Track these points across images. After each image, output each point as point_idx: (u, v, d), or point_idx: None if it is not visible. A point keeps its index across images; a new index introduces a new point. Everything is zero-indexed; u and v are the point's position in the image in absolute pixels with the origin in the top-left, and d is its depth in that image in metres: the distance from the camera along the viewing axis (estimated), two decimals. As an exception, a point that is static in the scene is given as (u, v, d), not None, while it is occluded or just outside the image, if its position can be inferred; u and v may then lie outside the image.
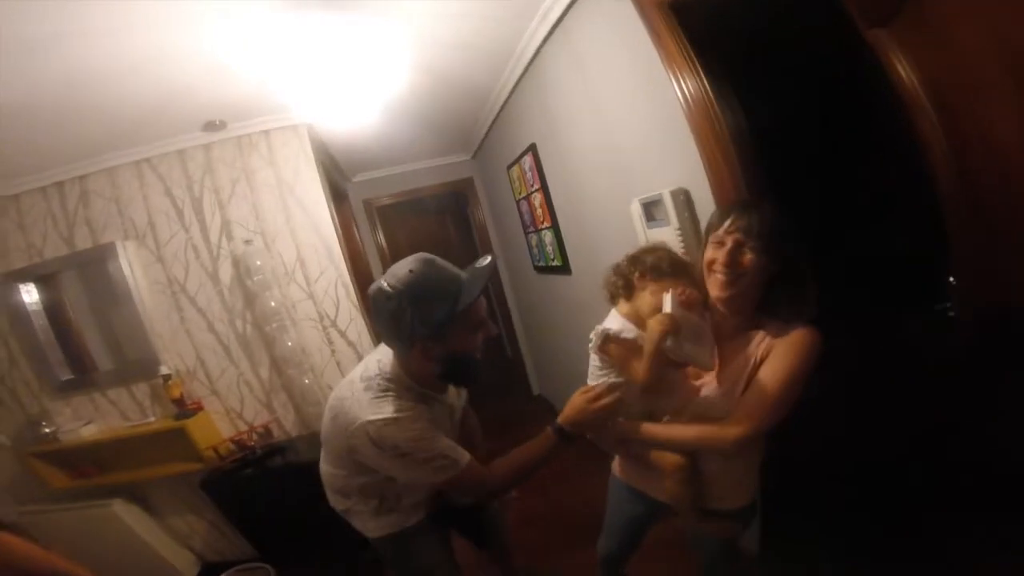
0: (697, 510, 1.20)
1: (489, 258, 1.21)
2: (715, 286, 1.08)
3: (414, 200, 4.15)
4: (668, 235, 1.48)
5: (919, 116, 1.28)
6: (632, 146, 1.71)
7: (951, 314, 1.41)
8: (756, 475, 1.23)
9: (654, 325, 1.04)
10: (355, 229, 3.66)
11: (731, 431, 1.03)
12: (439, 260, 1.13)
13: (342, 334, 2.59)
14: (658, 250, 1.21)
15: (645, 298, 1.15)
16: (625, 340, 1.16)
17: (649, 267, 1.16)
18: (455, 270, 1.13)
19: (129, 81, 1.73)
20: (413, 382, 1.20)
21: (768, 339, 1.06)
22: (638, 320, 1.17)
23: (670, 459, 1.15)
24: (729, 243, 1.04)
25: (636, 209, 1.63)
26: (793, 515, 1.68)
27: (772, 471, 1.27)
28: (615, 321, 1.21)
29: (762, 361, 1.05)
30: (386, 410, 1.13)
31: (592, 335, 1.22)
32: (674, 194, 1.46)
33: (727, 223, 1.06)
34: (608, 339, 1.18)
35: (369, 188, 4.00)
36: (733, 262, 1.04)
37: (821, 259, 1.18)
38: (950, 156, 1.26)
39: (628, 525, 1.47)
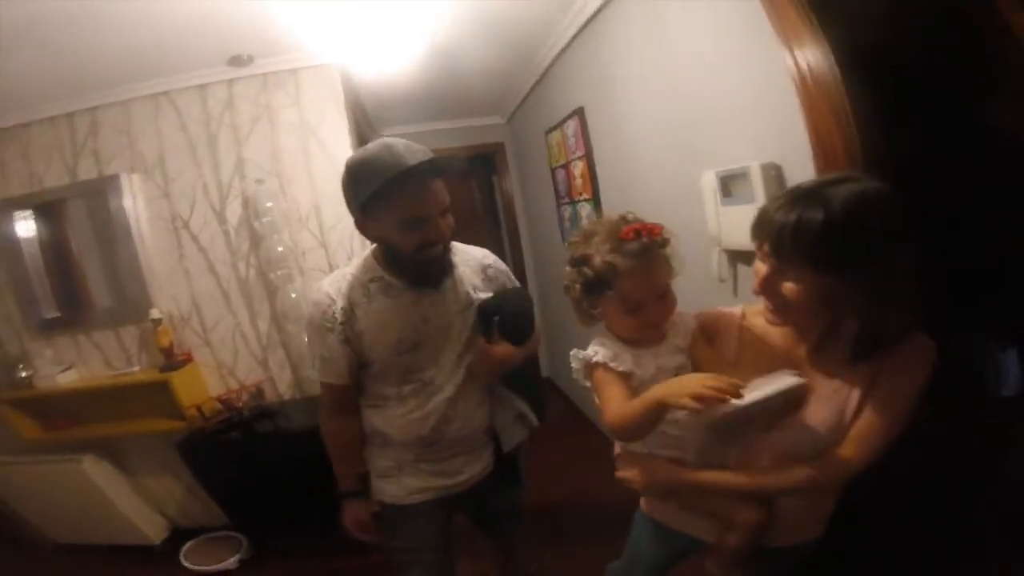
0: (738, 557, 0.95)
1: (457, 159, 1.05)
2: (767, 313, 0.82)
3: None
4: (750, 215, 1.26)
5: None
6: (711, 115, 1.50)
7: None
8: (831, 504, 0.96)
9: (680, 397, 0.73)
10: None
11: (829, 472, 0.79)
12: (402, 143, 1.02)
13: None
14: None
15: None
16: (613, 371, 0.90)
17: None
18: (412, 155, 0.99)
19: (151, 7, 1.60)
20: (380, 267, 1.13)
21: (883, 360, 0.78)
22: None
23: (751, 516, 0.88)
24: (764, 268, 0.78)
25: (710, 182, 1.43)
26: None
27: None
28: (603, 344, 0.94)
29: (871, 384, 0.79)
30: (319, 283, 1.15)
31: (572, 358, 0.97)
32: (764, 168, 1.25)
33: (752, 235, 0.79)
34: (593, 367, 0.92)
35: (394, 144, 3.79)
36: (771, 292, 0.77)
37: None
38: None
39: (653, 567, 1.20)
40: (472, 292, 1.20)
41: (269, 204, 2.25)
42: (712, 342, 0.96)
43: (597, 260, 0.86)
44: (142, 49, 1.89)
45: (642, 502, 1.15)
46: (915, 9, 1.36)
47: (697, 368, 0.91)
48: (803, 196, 0.72)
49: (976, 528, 1.64)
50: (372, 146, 1.02)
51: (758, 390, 0.75)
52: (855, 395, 0.79)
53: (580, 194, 2.55)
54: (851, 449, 0.78)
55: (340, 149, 2.32)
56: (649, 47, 1.72)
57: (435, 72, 2.59)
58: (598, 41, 2.05)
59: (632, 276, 0.84)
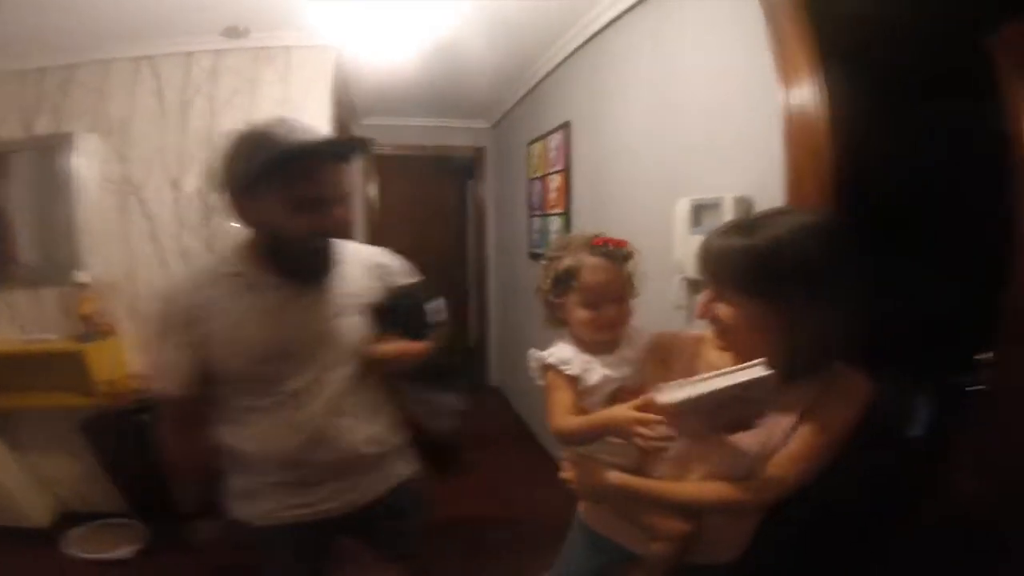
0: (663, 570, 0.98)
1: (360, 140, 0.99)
2: (713, 337, 0.86)
3: (418, 157, 3.90)
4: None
5: None
6: (695, 143, 1.56)
7: (973, 387, 1.34)
8: (752, 526, 0.99)
9: (624, 420, 0.80)
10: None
11: (754, 494, 0.81)
12: (300, 123, 0.92)
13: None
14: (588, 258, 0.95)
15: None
16: (562, 375, 0.95)
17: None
18: (311, 135, 0.91)
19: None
20: (247, 261, 0.97)
21: (819, 393, 0.81)
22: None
23: (675, 526, 0.91)
24: (706, 294, 0.82)
25: (683, 209, 1.47)
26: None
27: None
28: (559, 348, 0.99)
29: (805, 413, 0.81)
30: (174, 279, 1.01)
31: (530, 357, 1.01)
32: (737, 200, 1.30)
33: (696, 262, 0.84)
34: (546, 368, 0.98)
35: (375, 134, 3.69)
36: (710, 316, 0.81)
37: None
38: None
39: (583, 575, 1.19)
40: (360, 295, 1.06)
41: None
42: (666, 362, 0.98)
43: (568, 259, 0.96)
44: (133, 11, 1.84)
45: (580, 508, 1.15)
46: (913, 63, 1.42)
47: (644, 384, 0.93)
48: (738, 226, 0.79)
49: (885, 554, 1.71)
50: (264, 121, 0.90)
51: (713, 380, 0.74)
52: (786, 422, 0.82)
53: (553, 207, 2.58)
54: (781, 470, 0.80)
55: (319, 129, 2.24)
56: (646, 71, 1.76)
57: (429, 68, 2.56)
58: (597, 58, 2.09)
59: (595, 271, 0.94)
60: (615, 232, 1.03)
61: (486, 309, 4.17)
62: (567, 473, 1.01)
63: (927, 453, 1.63)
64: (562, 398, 0.95)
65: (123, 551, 2.00)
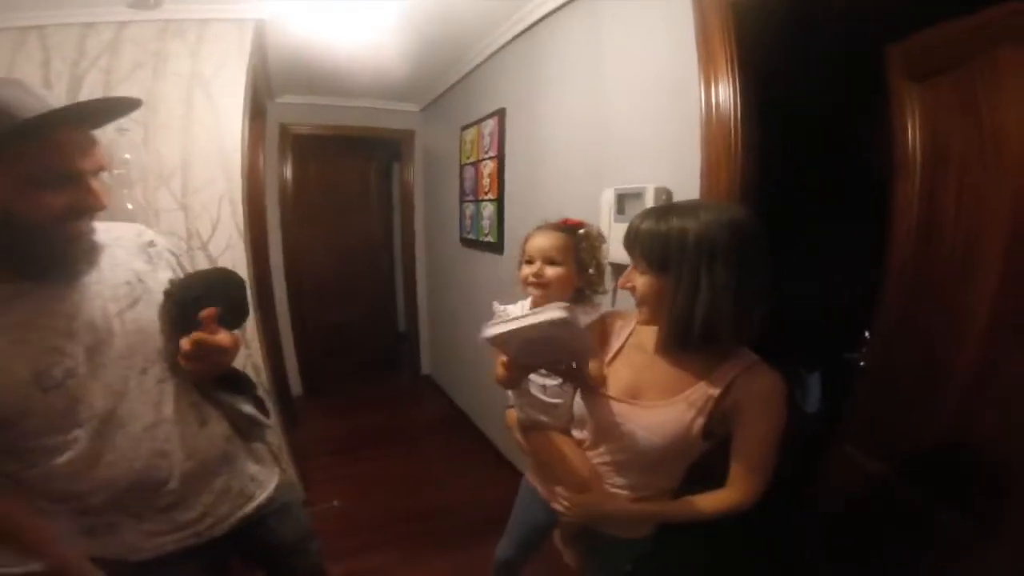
0: (574, 533, 1.15)
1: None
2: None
3: (339, 138, 3.73)
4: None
5: (905, 176, 1.33)
6: (621, 136, 1.63)
7: (861, 363, 1.52)
8: None
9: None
10: (261, 151, 3.15)
11: (745, 498, 0.94)
12: (28, 85, 0.73)
13: (212, 261, 2.14)
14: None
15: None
16: None
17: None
18: (54, 98, 0.73)
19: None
20: None
21: (732, 381, 0.91)
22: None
23: (575, 477, 1.05)
24: (629, 268, 0.94)
25: (608, 198, 1.55)
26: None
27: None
28: (513, 306, 1.20)
29: (727, 409, 0.92)
30: None
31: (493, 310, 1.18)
32: (657, 191, 1.39)
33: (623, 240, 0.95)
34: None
35: (292, 112, 3.51)
36: (629, 285, 0.93)
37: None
38: (917, 221, 1.33)
39: (531, 531, 1.38)
40: (137, 280, 0.90)
41: (128, 156, 1.94)
42: (604, 336, 1.09)
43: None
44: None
45: (526, 472, 1.30)
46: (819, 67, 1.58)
47: None
48: (656, 211, 0.90)
49: (789, 526, 1.95)
50: None
51: (521, 319, 0.83)
52: (697, 409, 0.92)
53: (486, 193, 2.60)
54: (742, 486, 0.93)
55: (230, 107, 2.10)
56: (580, 63, 1.81)
57: (356, 46, 2.46)
58: (532, 48, 2.12)
59: (535, 235, 1.15)
60: (546, 217, 1.21)
61: (415, 296, 4.12)
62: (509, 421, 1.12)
63: (823, 425, 1.89)
64: None
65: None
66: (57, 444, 0.78)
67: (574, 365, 0.95)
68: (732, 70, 1.21)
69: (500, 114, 2.39)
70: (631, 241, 0.91)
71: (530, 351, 0.88)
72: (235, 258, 2.15)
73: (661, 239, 0.85)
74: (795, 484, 1.94)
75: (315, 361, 3.75)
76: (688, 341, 0.88)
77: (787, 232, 1.83)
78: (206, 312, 0.85)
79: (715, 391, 0.90)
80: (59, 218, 0.73)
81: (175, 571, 0.93)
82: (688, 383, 0.94)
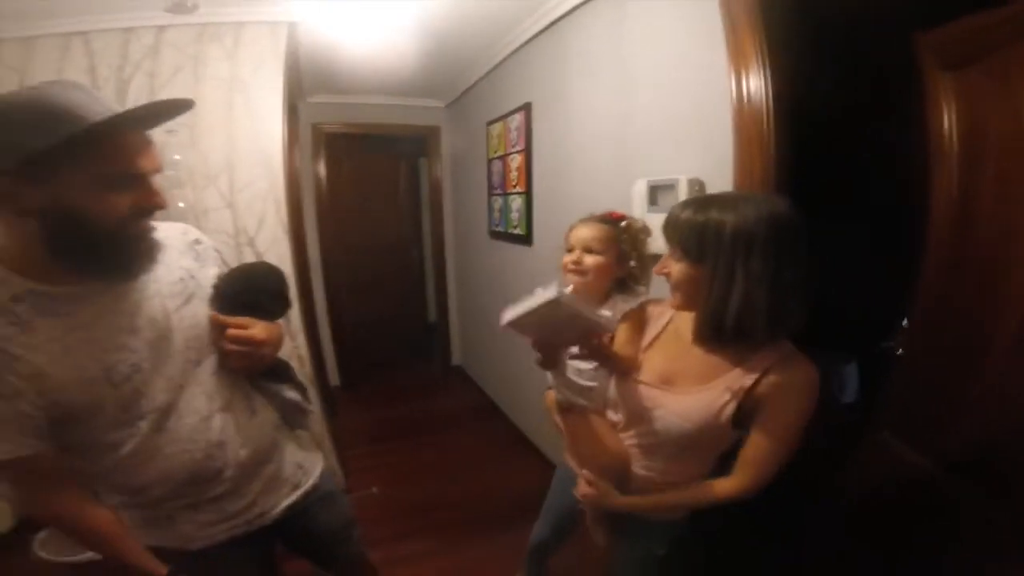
0: (604, 519, 1.18)
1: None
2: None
3: (368, 136, 3.81)
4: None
5: (942, 165, 1.32)
6: (649, 128, 1.64)
7: (898, 351, 1.51)
8: None
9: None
10: (297, 151, 3.25)
11: (746, 489, 0.96)
12: (89, 88, 0.75)
13: (259, 256, 2.26)
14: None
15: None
16: None
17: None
18: (109, 102, 0.75)
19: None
20: (25, 276, 0.75)
21: (765, 372, 0.91)
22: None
23: (607, 459, 1.09)
24: (665, 256, 0.97)
25: (640, 190, 1.56)
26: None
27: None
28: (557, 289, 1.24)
29: (758, 398, 0.92)
30: None
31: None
32: (691, 182, 1.40)
33: (662, 229, 0.96)
34: None
35: (322, 112, 3.60)
36: (666, 272, 0.96)
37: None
38: (955, 210, 1.31)
39: (565, 515, 1.41)
40: (189, 277, 0.94)
41: (177, 157, 2.05)
42: (643, 324, 1.13)
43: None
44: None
45: (563, 455, 1.34)
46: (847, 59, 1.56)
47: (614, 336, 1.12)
48: (696, 202, 0.91)
49: (817, 513, 1.95)
50: (47, 85, 0.72)
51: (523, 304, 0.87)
52: (729, 397, 0.93)
53: (514, 186, 2.63)
54: (747, 474, 0.94)
55: (269, 109, 2.18)
56: (607, 55, 1.82)
57: (383, 45, 2.51)
58: (558, 43, 2.13)
59: (577, 225, 1.18)
60: (576, 211, 1.23)
61: (445, 289, 4.20)
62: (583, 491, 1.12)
63: (859, 414, 1.87)
64: None
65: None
66: (122, 438, 0.82)
67: (594, 343, 0.98)
68: (763, 62, 1.21)
69: (526, 109, 2.42)
70: (670, 230, 0.93)
71: (543, 333, 0.93)
72: (280, 253, 2.26)
73: (699, 229, 0.87)
74: (829, 473, 1.94)
75: (350, 353, 3.86)
76: (722, 333, 0.90)
77: (821, 223, 1.82)
78: (232, 320, 0.92)
79: (748, 380, 0.91)
80: (125, 218, 0.76)
81: (227, 559, 0.98)
82: (722, 371, 0.95)
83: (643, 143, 1.68)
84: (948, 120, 1.25)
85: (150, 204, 0.80)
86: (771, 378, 0.90)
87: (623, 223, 1.16)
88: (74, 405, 0.76)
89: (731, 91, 1.28)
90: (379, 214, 4.26)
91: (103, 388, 0.78)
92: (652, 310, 1.14)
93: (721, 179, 1.35)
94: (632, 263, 1.17)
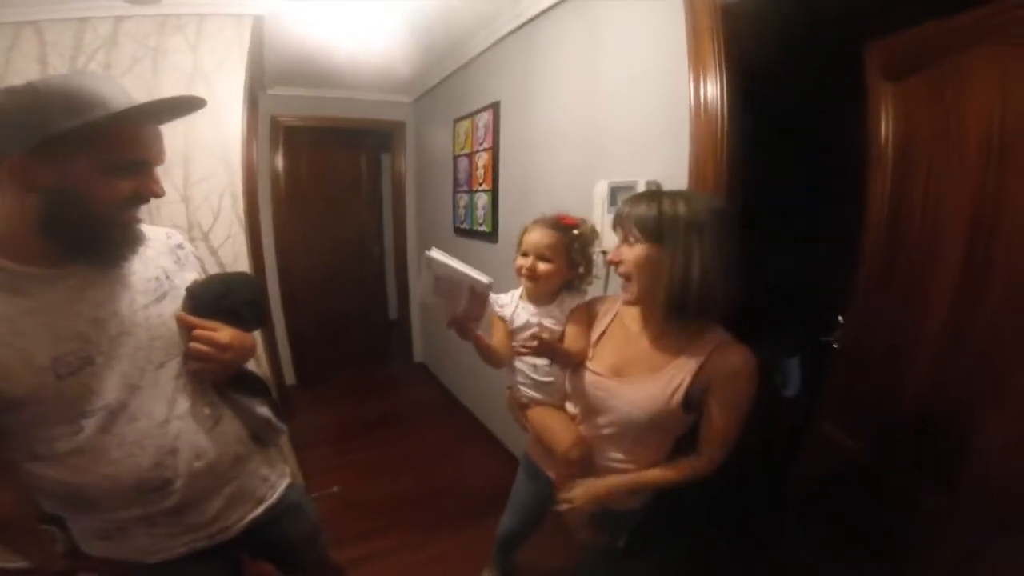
0: (585, 513, 1.20)
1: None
2: (623, 292, 1.06)
3: (329, 129, 3.72)
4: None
5: (877, 170, 1.42)
6: (614, 130, 1.70)
7: (835, 345, 1.62)
8: None
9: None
10: (255, 144, 3.14)
11: (708, 464, 1.04)
12: (116, 81, 0.79)
13: (213, 251, 2.18)
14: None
15: None
16: (496, 314, 1.30)
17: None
18: (116, 87, 0.77)
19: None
20: (4, 249, 0.75)
21: (707, 357, 1.00)
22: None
23: (564, 448, 1.14)
24: (617, 245, 1.03)
25: (602, 191, 1.62)
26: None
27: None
28: (508, 293, 1.30)
29: (702, 384, 1.01)
30: None
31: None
32: (648, 183, 1.47)
33: (614, 224, 1.05)
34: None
35: (282, 104, 3.50)
36: (619, 259, 1.02)
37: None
38: (888, 211, 1.42)
39: (531, 506, 1.46)
40: (165, 277, 0.93)
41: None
42: (591, 320, 1.21)
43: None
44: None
45: (527, 446, 1.39)
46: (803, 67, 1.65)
47: (562, 335, 1.21)
48: (645, 195, 1.02)
49: (766, 500, 2.06)
50: (77, 74, 0.79)
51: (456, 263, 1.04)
52: (677, 383, 1.01)
53: (480, 184, 2.65)
54: (717, 446, 1.02)
55: (230, 101, 2.12)
56: (576, 58, 1.86)
57: (349, 39, 2.47)
58: (528, 44, 2.16)
59: (531, 230, 1.23)
60: (540, 209, 1.29)
61: (407, 285, 4.16)
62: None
63: (800, 406, 2.00)
64: (495, 330, 1.28)
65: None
66: (60, 433, 0.78)
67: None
68: (720, 68, 1.28)
69: (495, 107, 2.44)
70: (624, 219, 1.00)
71: (443, 297, 1.05)
72: (236, 249, 2.19)
73: (655, 215, 0.95)
74: (776, 464, 2.05)
75: (307, 350, 3.78)
76: (685, 308, 0.96)
77: (768, 222, 1.93)
78: (200, 322, 0.92)
79: (693, 365, 0.99)
80: (123, 203, 0.79)
81: (188, 572, 0.95)
82: (668, 360, 1.03)
83: (607, 145, 1.73)
84: (885, 127, 1.36)
85: (149, 191, 0.81)
86: (714, 362, 0.99)
87: (575, 231, 1.21)
88: (10, 393, 0.73)
89: (690, 97, 1.35)
90: (339, 209, 4.17)
91: (45, 378, 0.75)
92: (599, 306, 1.22)
93: (678, 181, 1.41)
94: (581, 269, 1.24)
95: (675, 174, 1.43)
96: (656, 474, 1.09)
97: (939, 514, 1.24)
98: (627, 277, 1.01)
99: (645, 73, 1.56)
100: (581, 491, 1.10)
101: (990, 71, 1.08)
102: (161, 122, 0.84)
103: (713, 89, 1.29)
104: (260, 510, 1.07)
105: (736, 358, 0.98)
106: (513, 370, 1.30)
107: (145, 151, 0.80)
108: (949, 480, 1.24)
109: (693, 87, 1.34)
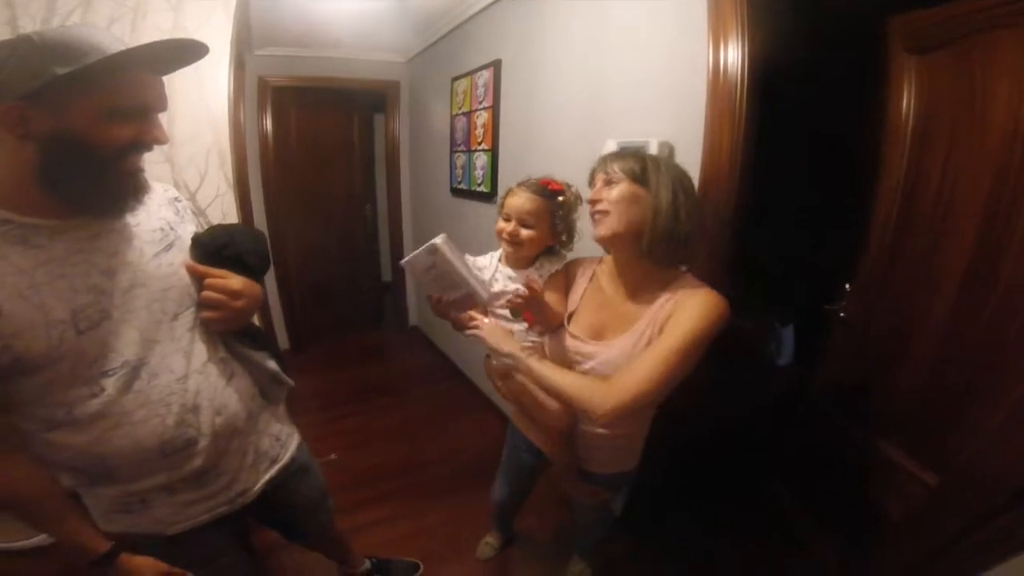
0: (573, 472, 1.22)
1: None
2: (596, 232, 1.05)
3: (320, 90, 3.57)
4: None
5: (894, 141, 1.39)
6: (622, 88, 1.63)
7: (841, 315, 1.61)
8: (638, 446, 1.24)
9: None
10: (242, 105, 3.00)
11: (606, 402, 0.89)
12: (111, 32, 0.76)
13: (200, 212, 2.09)
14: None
15: None
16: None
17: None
18: (112, 37, 0.73)
19: None
20: (9, 201, 0.72)
21: (672, 300, 0.98)
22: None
23: (551, 420, 1.14)
24: (599, 182, 1.03)
25: (610, 149, 1.56)
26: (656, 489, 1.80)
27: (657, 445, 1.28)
28: (485, 256, 1.27)
29: (663, 322, 0.97)
30: None
31: None
32: (662, 145, 1.42)
33: (596, 171, 1.05)
34: None
35: (271, 65, 3.33)
36: (599, 199, 1.01)
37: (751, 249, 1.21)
38: (903, 184, 1.40)
39: (519, 473, 1.48)
40: (169, 228, 0.91)
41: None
42: (569, 283, 1.21)
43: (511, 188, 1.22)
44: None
45: (512, 416, 1.39)
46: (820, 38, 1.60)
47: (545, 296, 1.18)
48: (626, 152, 1.07)
49: (757, 463, 2.11)
50: (76, 25, 0.73)
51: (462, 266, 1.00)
52: (650, 332, 0.99)
53: (479, 143, 2.57)
54: (634, 376, 0.89)
55: (216, 61, 2.01)
56: (582, 14, 1.77)
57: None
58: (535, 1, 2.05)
59: (515, 194, 1.19)
60: (542, 168, 1.25)
61: (401, 247, 4.10)
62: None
63: (798, 374, 2.01)
64: None
65: (38, 539, 1.70)
66: (82, 396, 0.75)
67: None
68: (742, 33, 1.22)
69: (495, 65, 2.34)
70: (605, 164, 1.02)
71: (428, 278, 1.00)
72: (224, 208, 2.12)
73: (640, 160, 0.99)
74: (766, 433, 2.09)
75: (299, 315, 3.73)
76: (662, 246, 0.96)
77: (777, 190, 1.90)
78: (211, 270, 0.90)
79: (664, 310, 0.98)
80: (125, 149, 0.75)
81: (207, 540, 0.95)
82: (642, 312, 1.02)
83: (615, 103, 1.67)
84: (906, 99, 1.33)
85: (151, 138, 0.77)
86: (678, 298, 0.98)
87: (560, 197, 1.18)
88: (29, 353, 0.70)
89: (708, 61, 1.28)
90: (331, 171, 4.05)
91: (64, 333, 0.72)
92: (575, 269, 1.21)
93: (690, 145, 1.37)
94: (563, 236, 1.22)
95: (687, 136, 1.38)
96: (546, 368, 0.99)
97: (929, 496, 1.26)
98: (604, 213, 1.00)
99: (656, 29, 1.49)
100: (487, 330, 1.06)
101: (1020, 52, 1.05)
102: (159, 71, 0.79)
103: (734, 53, 1.24)
104: (275, 470, 1.07)
105: (700, 293, 0.97)
106: None
107: (144, 95, 0.75)
108: (940, 463, 1.26)
109: (712, 50, 1.28)
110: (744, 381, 2.08)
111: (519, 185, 1.20)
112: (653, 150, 1.42)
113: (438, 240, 0.95)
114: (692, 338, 0.90)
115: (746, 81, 1.22)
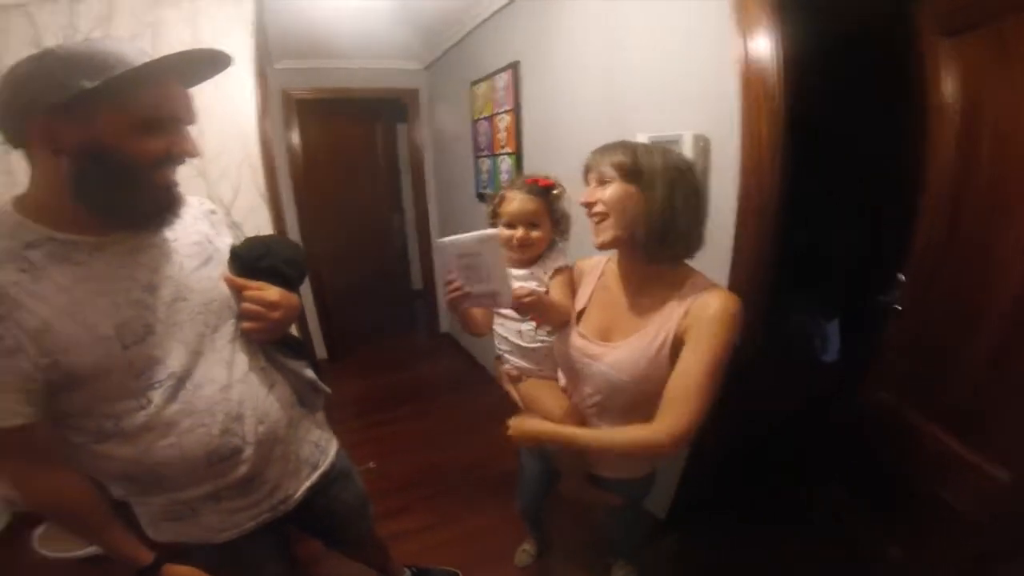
0: (583, 477, 1.19)
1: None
2: (595, 234, 0.99)
3: (342, 101, 3.62)
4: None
5: (940, 127, 1.32)
6: (648, 83, 1.59)
7: (896, 306, 1.53)
8: None
9: None
10: (268, 118, 3.07)
11: (666, 433, 0.88)
12: (135, 43, 0.75)
13: (236, 225, 2.15)
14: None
15: None
16: None
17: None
18: (137, 49, 0.73)
19: None
20: (42, 223, 0.71)
21: (683, 307, 0.93)
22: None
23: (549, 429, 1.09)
24: (592, 182, 0.99)
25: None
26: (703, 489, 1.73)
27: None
28: None
29: (681, 333, 0.93)
30: None
31: None
32: (696, 138, 1.37)
33: (589, 167, 0.99)
34: None
35: (291, 78, 3.38)
36: (593, 201, 0.97)
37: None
38: (952, 171, 1.32)
39: (534, 480, 1.47)
40: (206, 241, 0.92)
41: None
42: (579, 282, 1.18)
43: (502, 192, 1.21)
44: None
45: None
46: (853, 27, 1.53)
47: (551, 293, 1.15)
48: (616, 144, 0.96)
49: (802, 462, 2.02)
50: (102, 38, 0.74)
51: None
52: (664, 335, 0.94)
53: (503, 147, 2.55)
54: (674, 411, 0.89)
55: (239, 74, 2.05)
56: (601, 10, 1.73)
57: (355, 7, 2.39)
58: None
59: (510, 201, 1.17)
60: (567, 169, 1.18)
61: (430, 254, 4.12)
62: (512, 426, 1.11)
63: (848, 368, 1.92)
64: None
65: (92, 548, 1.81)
66: (129, 408, 0.76)
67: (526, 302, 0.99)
68: (772, 20, 1.17)
69: (514, 67, 2.32)
70: (596, 161, 0.96)
71: (459, 267, 0.97)
72: (259, 222, 2.16)
73: (631, 154, 0.92)
74: (812, 429, 2.00)
75: (335, 324, 3.80)
76: (664, 245, 0.92)
77: (816, 182, 1.82)
78: (249, 283, 0.91)
79: (676, 314, 0.93)
80: (157, 162, 0.74)
81: (255, 548, 0.97)
82: (651, 314, 0.97)
83: (639, 99, 1.63)
84: (947, 84, 1.26)
85: (182, 150, 0.77)
86: (695, 306, 0.92)
87: (555, 191, 1.18)
88: (77, 368, 0.71)
89: (738, 49, 1.23)
90: (357, 181, 4.12)
91: (111, 348, 0.73)
92: (583, 266, 1.19)
93: (726, 139, 1.31)
94: (562, 227, 1.22)
95: (720, 129, 1.33)
96: (592, 435, 0.99)
97: (1001, 492, 1.18)
98: (602, 216, 0.95)
99: (675, 19, 1.44)
100: (516, 423, 1.07)
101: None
102: (186, 83, 0.80)
103: (764, 41, 1.18)
104: (316, 476, 1.08)
105: (718, 301, 0.91)
106: (496, 338, 1.30)
107: (172, 107, 0.75)
108: (1011, 457, 1.17)
109: (741, 38, 1.22)
110: (791, 379, 2.00)
111: (509, 190, 1.19)
112: (687, 144, 1.37)
113: (494, 231, 0.95)
114: (720, 357, 0.89)
115: (780, 69, 1.17)
